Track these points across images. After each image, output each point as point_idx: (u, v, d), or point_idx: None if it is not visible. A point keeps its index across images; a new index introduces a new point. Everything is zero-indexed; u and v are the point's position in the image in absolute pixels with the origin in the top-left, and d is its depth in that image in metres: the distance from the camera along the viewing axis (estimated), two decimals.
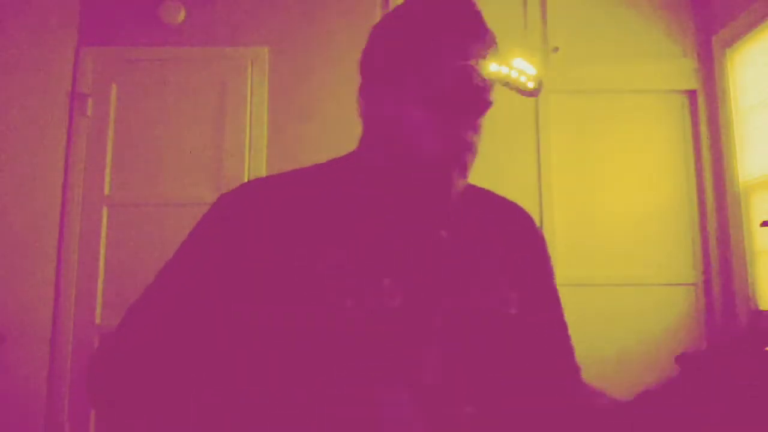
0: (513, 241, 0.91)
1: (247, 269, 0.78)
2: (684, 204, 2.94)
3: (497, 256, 0.88)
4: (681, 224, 2.93)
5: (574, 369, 0.92)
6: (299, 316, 0.76)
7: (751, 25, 2.65)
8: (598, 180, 2.96)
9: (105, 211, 2.82)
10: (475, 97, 0.79)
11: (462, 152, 0.81)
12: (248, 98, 2.92)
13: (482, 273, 0.85)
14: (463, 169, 0.82)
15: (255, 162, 2.86)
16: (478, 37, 0.81)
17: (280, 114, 2.92)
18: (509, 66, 0.85)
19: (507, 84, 0.86)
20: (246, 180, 2.87)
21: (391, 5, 3.03)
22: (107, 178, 2.85)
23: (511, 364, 0.84)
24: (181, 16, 2.94)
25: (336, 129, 2.86)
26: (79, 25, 2.94)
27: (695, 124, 2.98)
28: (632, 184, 2.95)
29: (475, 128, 0.82)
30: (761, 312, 2.57)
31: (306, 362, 0.75)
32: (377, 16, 2.99)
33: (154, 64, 2.94)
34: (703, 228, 2.91)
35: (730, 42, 2.81)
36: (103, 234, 2.80)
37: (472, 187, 0.91)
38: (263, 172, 2.83)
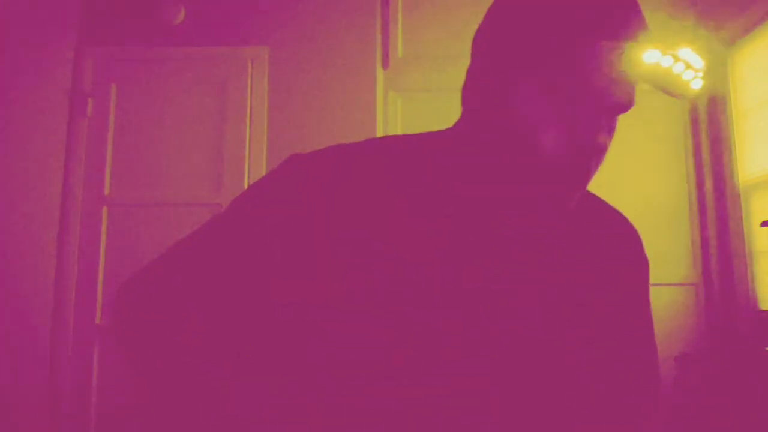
0: (614, 264, 0.80)
1: (317, 230, 0.69)
2: (684, 204, 2.94)
3: (592, 280, 0.77)
4: (681, 224, 2.92)
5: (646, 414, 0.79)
6: (362, 289, 0.68)
7: (752, 25, 2.65)
8: (598, 179, 2.95)
9: (105, 211, 2.82)
10: (614, 92, 0.65)
11: (588, 159, 0.68)
12: (248, 98, 2.91)
13: (567, 297, 0.74)
14: (586, 179, 0.70)
15: (255, 162, 2.86)
16: (627, 17, 0.65)
17: (280, 114, 2.92)
18: (674, 57, 0.69)
19: (656, 82, 0.71)
20: (245, 179, 2.89)
21: (392, 5, 3.03)
22: (107, 178, 2.85)
23: (562, 399, 0.74)
24: (181, 16, 2.94)
25: (336, 129, 2.86)
26: (79, 25, 2.93)
27: (695, 124, 2.98)
28: (632, 183, 2.95)
29: (609, 129, 0.69)
30: (761, 312, 2.57)
31: (365, 337, 0.69)
32: (377, 15, 2.99)
33: (154, 64, 2.94)
34: (703, 228, 2.90)
35: (731, 42, 2.80)
36: (103, 234, 2.80)
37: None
38: (263, 172, 2.82)
